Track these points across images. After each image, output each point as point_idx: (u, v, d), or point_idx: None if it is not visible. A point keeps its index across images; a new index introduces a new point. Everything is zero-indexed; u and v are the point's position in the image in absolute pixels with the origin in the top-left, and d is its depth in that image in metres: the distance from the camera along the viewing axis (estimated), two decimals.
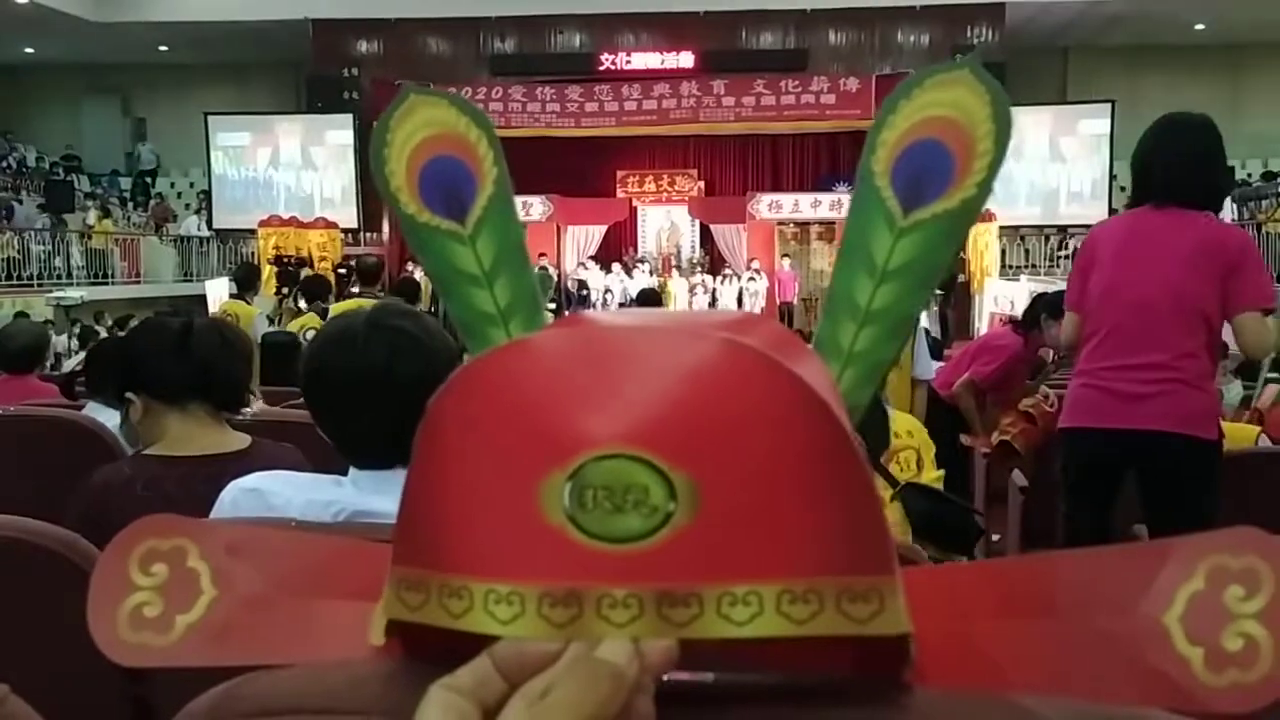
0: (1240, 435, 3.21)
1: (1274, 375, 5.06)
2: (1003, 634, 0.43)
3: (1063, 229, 17.33)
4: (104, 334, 12.69)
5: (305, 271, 9.78)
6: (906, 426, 3.35)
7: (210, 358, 1.82)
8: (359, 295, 6.25)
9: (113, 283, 16.01)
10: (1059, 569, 0.43)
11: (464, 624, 0.41)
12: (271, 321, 6.99)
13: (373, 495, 1.37)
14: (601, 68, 17.84)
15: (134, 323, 12.76)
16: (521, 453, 0.41)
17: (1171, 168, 2.60)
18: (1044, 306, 4.44)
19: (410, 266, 16.39)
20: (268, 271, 9.45)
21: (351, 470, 1.41)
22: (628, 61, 17.88)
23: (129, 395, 1.87)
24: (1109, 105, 17.24)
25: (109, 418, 2.77)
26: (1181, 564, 0.40)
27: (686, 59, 17.66)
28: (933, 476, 3.30)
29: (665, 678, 0.40)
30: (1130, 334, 2.63)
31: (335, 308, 6.16)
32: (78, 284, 14.78)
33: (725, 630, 0.39)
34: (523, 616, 0.39)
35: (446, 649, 0.41)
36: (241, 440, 1.85)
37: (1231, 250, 2.59)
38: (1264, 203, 13.57)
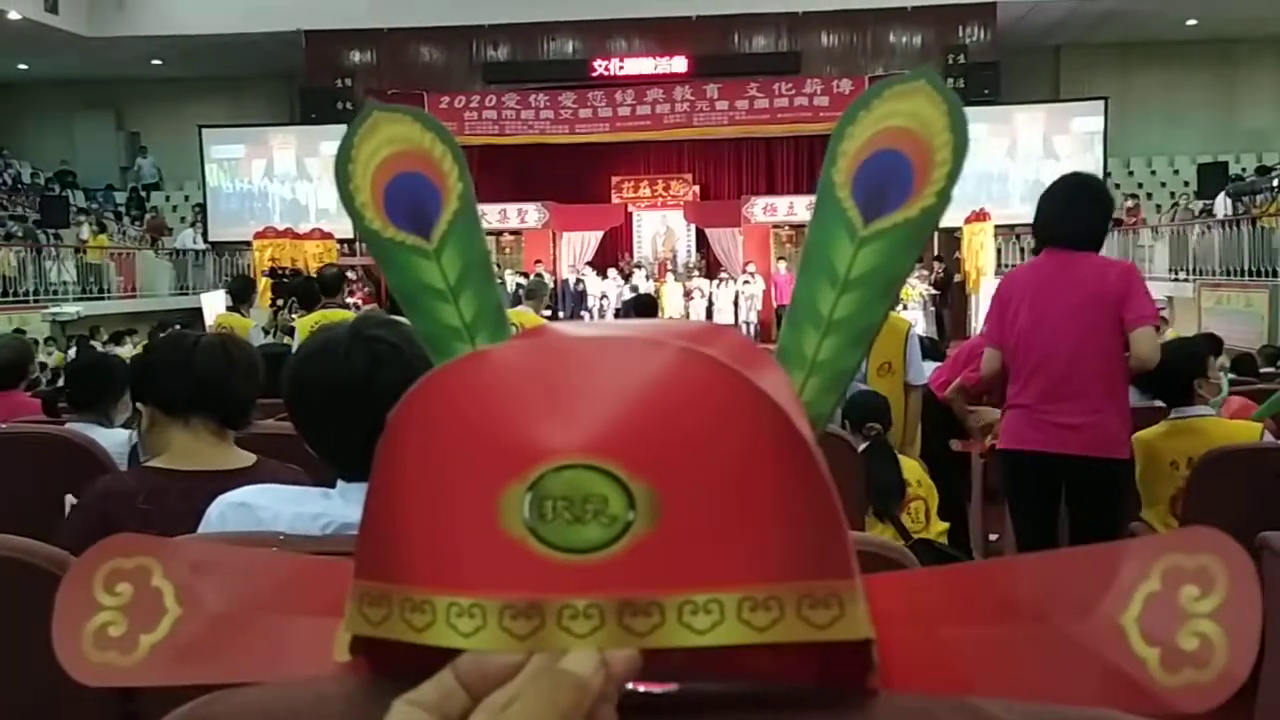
0: (1244, 432, 3.22)
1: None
2: (965, 639, 0.43)
3: None
4: (98, 348, 12.69)
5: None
6: (915, 476, 3.37)
7: (211, 373, 1.83)
8: (325, 307, 6.24)
9: (109, 297, 16.00)
10: (1019, 573, 0.43)
11: (426, 638, 0.40)
12: (267, 333, 6.99)
13: (359, 506, 1.36)
14: (595, 74, 17.87)
15: (136, 340, 12.67)
16: (481, 464, 0.41)
17: (1071, 217, 3.06)
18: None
19: None
20: (262, 283, 9.44)
21: (339, 482, 1.41)
22: (620, 67, 17.90)
23: (138, 405, 1.91)
24: (1102, 102, 17.27)
25: (96, 435, 2.77)
26: (1138, 564, 0.40)
27: (679, 64, 17.69)
28: (939, 530, 3.34)
29: (629, 688, 0.40)
30: (1058, 370, 3.02)
31: (301, 322, 6.16)
32: (73, 299, 14.77)
33: (687, 639, 0.39)
34: (485, 629, 0.39)
35: (410, 664, 0.41)
36: (246, 458, 1.85)
37: (1116, 281, 3.01)
38: (1258, 197, 13.58)
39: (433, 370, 0.45)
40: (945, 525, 3.31)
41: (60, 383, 9.71)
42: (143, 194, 20.54)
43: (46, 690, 1.41)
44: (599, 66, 17.87)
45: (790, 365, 0.51)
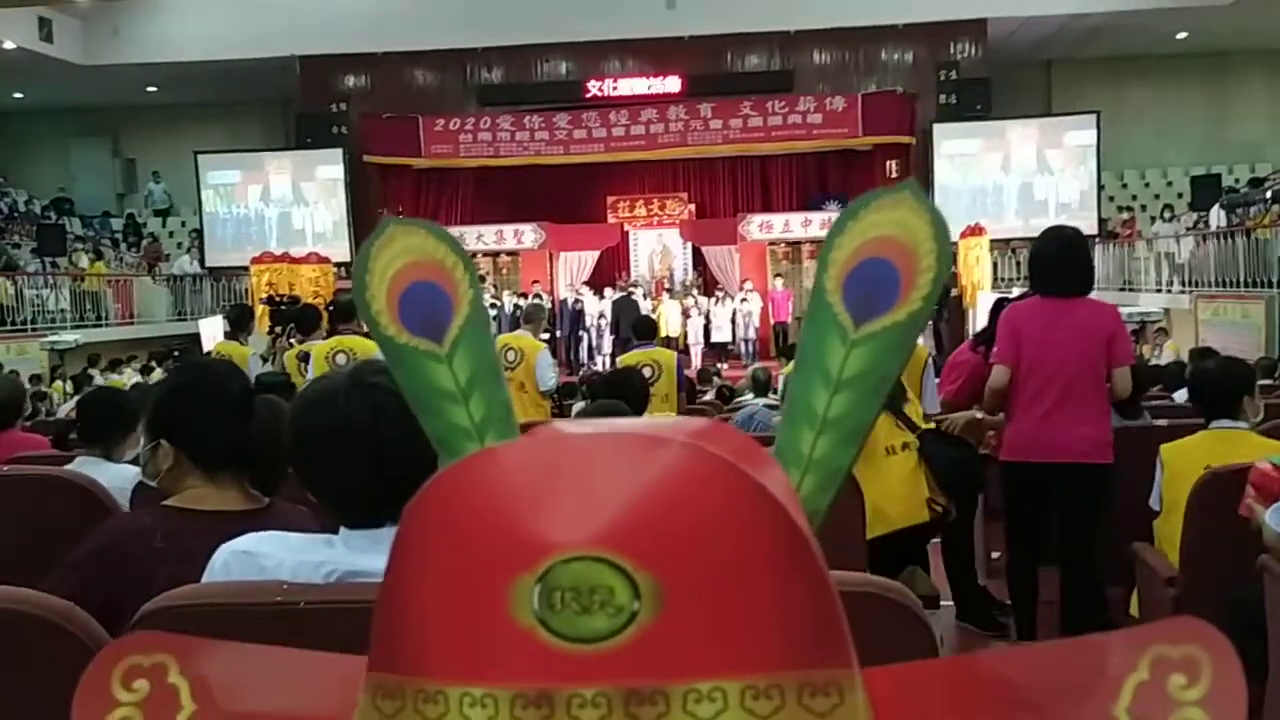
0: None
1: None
2: None
3: None
4: (97, 376, 12.69)
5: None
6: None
7: (261, 440, 1.78)
8: (339, 333, 6.21)
9: (107, 324, 16.00)
10: (1014, 666, 0.45)
11: None
12: (266, 361, 6.98)
13: (363, 554, 1.37)
14: (589, 95, 17.93)
15: (135, 366, 12.59)
16: (491, 557, 0.42)
17: (1064, 271, 3.73)
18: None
19: None
20: (260, 311, 9.45)
21: (342, 530, 1.41)
22: (615, 88, 17.97)
23: (162, 442, 1.83)
24: (1094, 116, 17.35)
25: (103, 471, 2.77)
26: (1126, 655, 0.42)
27: (673, 83, 17.75)
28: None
29: None
30: (1059, 392, 3.61)
31: (316, 349, 6.14)
32: (71, 327, 14.78)
33: None
34: (497, 718, 0.40)
35: None
36: (259, 500, 1.83)
37: (1106, 328, 3.68)
38: (1252, 209, 13.62)
39: (444, 469, 0.46)
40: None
41: (59, 413, 9.70)
42: (140, 220, 20.54)
43: None
44: (593, 87, 17.94)
45: (787, 463, 0.52)
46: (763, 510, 0.43)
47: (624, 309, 16.39)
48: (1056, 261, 3.75)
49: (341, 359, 5.94)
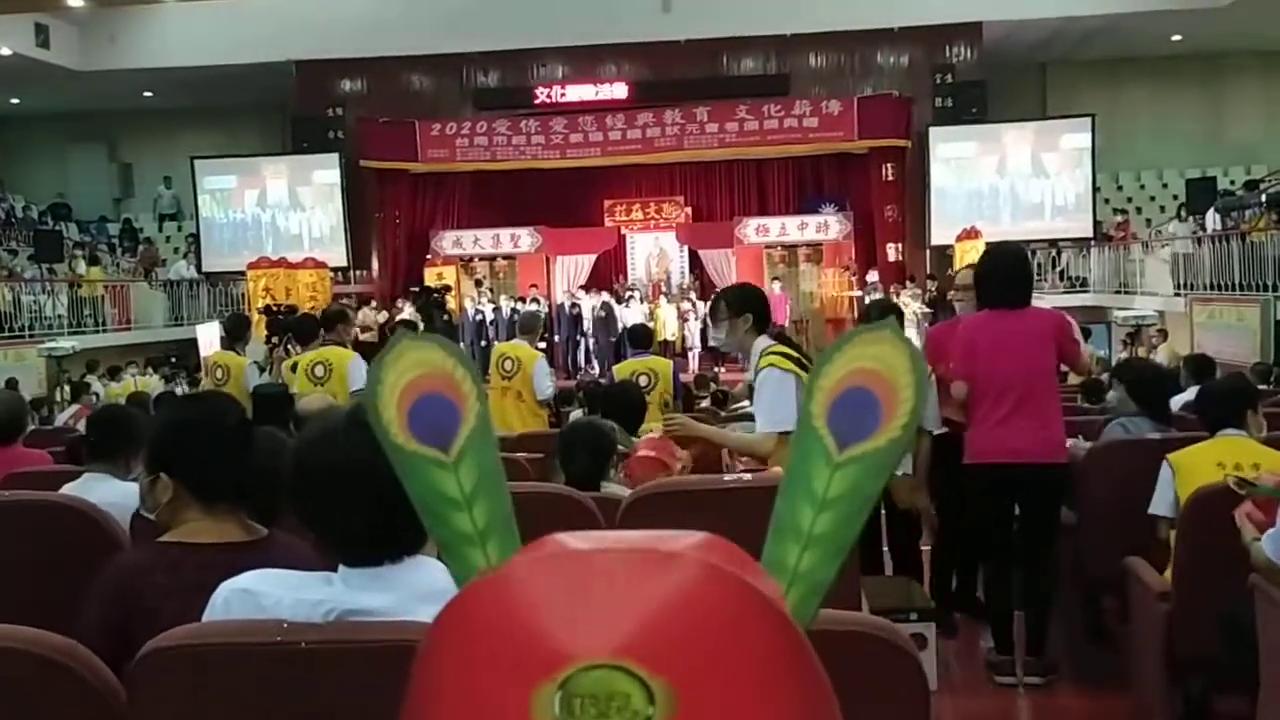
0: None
1: None
2: None
3: (1053, 242, 17.43)
4: (95, 383, 12.69)
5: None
6: None
7: (260, 472, 1.79)
8: (326, 343, 6.27)
9: (104, 330, 15.99)
10: None
11: None
12: (263, 370, 6.99)
13: (362, 593, 1.39)
14: (587, 99, 17.93)
15: (133, 371, 12.57)
16: (515, 667, 0.44)
17: (1005, 284, 4.03)
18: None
19: (400, 304, 16.43)
20: (257, 320, 9.46)
21: (341, 568, 1.43)
22: (610, 93, 17.96)
23: (161, 475, 1.84)
24: (1089, 119, 17.38)
25: (110, 488, 2.79)
26: None
27: (669, 88, 17.74)
28: None
29: None
30: (1013, 397, 3.86)
31: (303, 359, 6.17)
32: (68, 333, 14.77)
33: None
34: None
35: None
36: (259, 531, 1.85)
37: (1050, 328, 3.99)
38: (1247, 212, 13.65)
39: (464, 587, 0.50)
40: None
41: (58, 420, 9.70)
42: (136, 225, 20.52)
43: None
44: (584, 92, 17.93)
45: (774, 575, 0.55)
46: (769, 622, 0.46)
47: (605, 321, 16.52)
48: (1006, 276, 4.07)
49: (320, 370, 6.00)
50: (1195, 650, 3.12)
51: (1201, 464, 3.28)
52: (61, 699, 1.39)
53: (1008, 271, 4.09)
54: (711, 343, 5.54)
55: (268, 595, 1.41)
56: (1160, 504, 3.46)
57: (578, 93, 17.99)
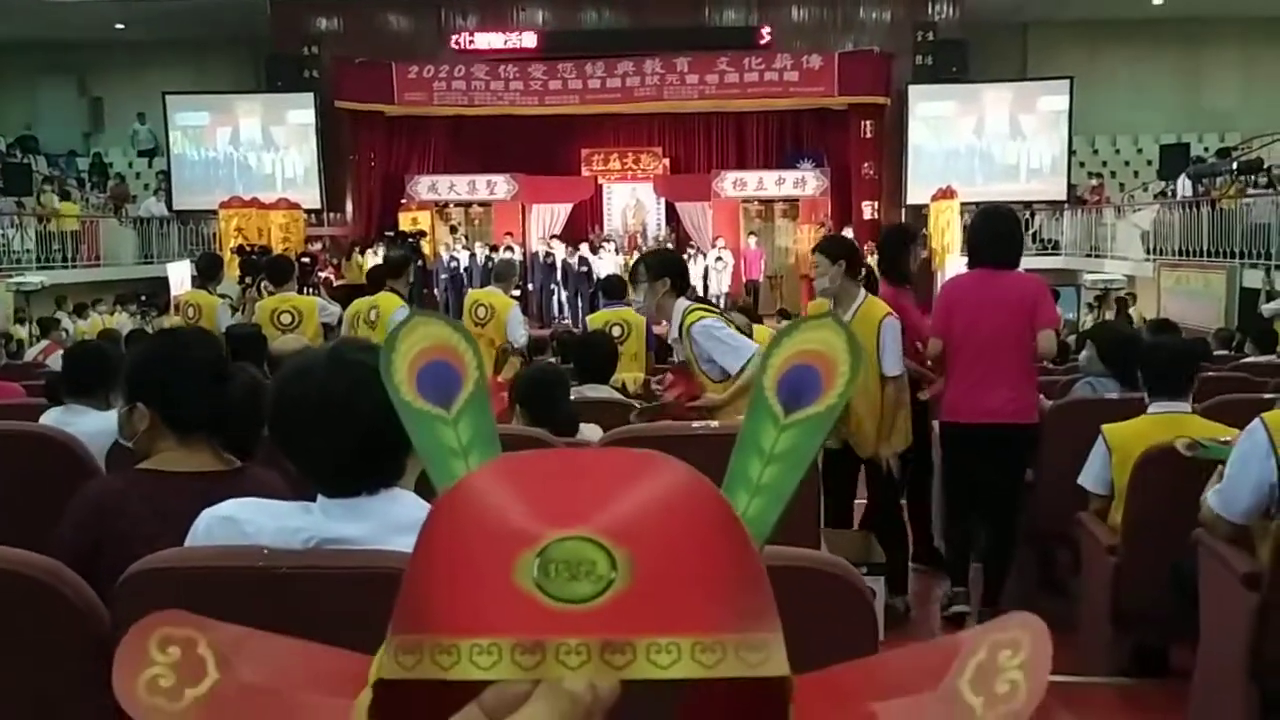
0: (1224, 433, 3.34)
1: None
2: (868, 710, 0.58)
3: (1027, 205, 17.55)
4: (65, 320, 12.59)
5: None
6: None
7: (236, 409, 1.86)
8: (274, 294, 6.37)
9: (73, 266, 15.81)
10: (903, 663, 0.59)
11: (453, 674, 0.52)
12: (236, 310, 6.98)
13: (339, 522, 1.44)
14: (560, 46, 17.74)
15: (103, 309, 12.46)
16: (502, 539, 0.53)
17: (995, 244, 4.13)
18: (895, 248, 4.82)
19: (375, 247, 16.33)
20: (229, 259, 9.42)
21: (320, 498, 1.48)
22: (586, 39, 17.79)
23: (139, 405, 1.90)
24: (1068, 82, 17.41)
25: (89, 419, 2.82)
26: (972, 643, 0.57)
27: (648, 37, 17.58)
28: None
29: None
30: (989, 359, 3.97)
31: (263, 305, 6.22)
32: (37, 268, 14.61)
33: (652, 672, 0.51)
34: (500, 663, 0.51)
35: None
36: (231, 462, 1.90)
37: (1031, 295, 4.04)
38: (1218, 179, 13.78)
39: (463, 476, 0.59)
40: None
41: (27, 355, 9.63)
42: (107, 160, 20.20)
43: (40, 693, 1.48)
44: (564, 39, 17.75)
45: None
46: (715, 506, 0.55)
47: (580, 271, 16.52)
48: (995, 237, 4.17)
49: (287, 318, 6.09)
50: (1140, 603, 3.24)
51: (1139, 445, 3.29)
52: (46, 619, 1.44)
53: (997, 232, 4.18)
54: (636, 306, 5.73)
55: (249, 522, 1.46)
56: (1090, 477, 3.50)
57: (554, 40, 17.81)
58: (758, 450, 0.66)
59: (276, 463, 1.86)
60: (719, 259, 17.15)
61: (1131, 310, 13.61)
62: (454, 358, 0.73)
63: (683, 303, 3.82)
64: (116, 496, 1.81)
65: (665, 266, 3.95)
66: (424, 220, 17.47)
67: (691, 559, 0.53)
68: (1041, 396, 4.52)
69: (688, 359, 3.83)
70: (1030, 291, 4.08)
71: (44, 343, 10.37)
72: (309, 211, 17.25)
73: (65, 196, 17.14)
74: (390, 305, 6.39)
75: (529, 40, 17.83)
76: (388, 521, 1.44)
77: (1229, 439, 2.93)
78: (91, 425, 2.63)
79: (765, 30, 17.51)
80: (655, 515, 0.53)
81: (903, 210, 17.48)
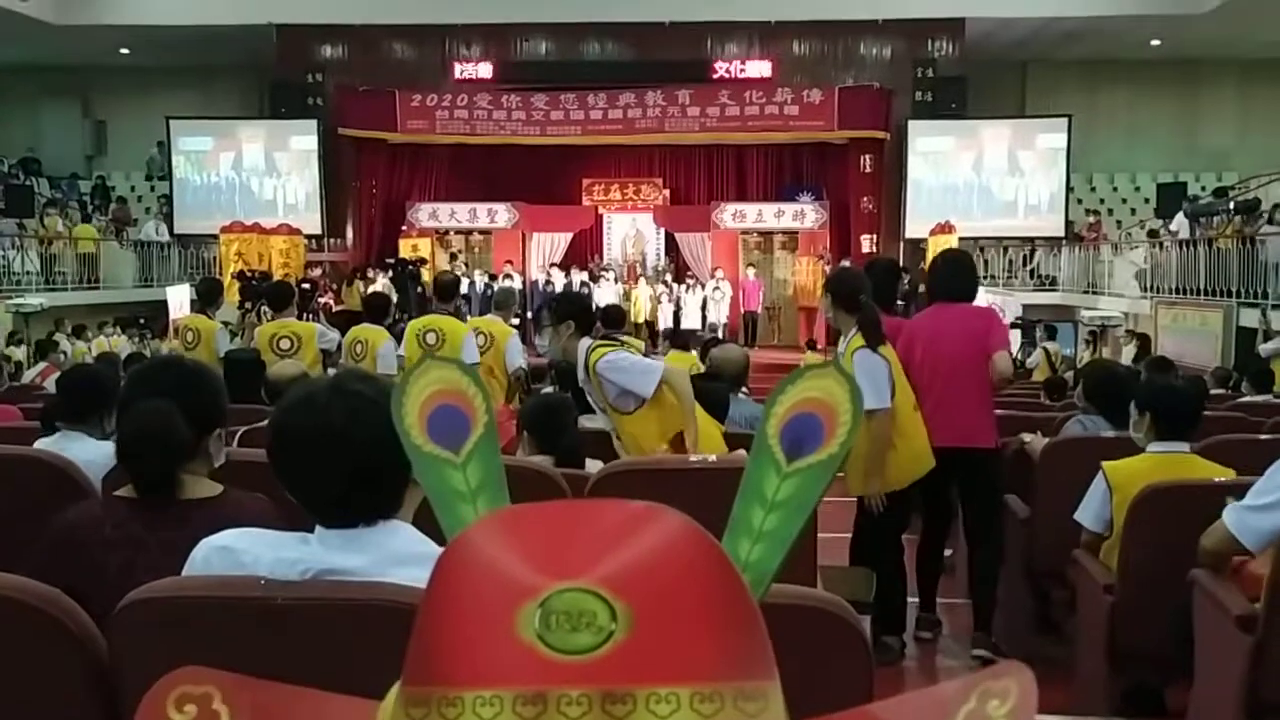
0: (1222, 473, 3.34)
1: None
2: None
3: (1024, 240, 17.64)
4: (63, 342, 12.59)
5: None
6: None
7: (148, 439, 1.85)
8: (435, 313, 6.47)
9: (72, 288, 15.84)
10: (900, 708, 0.60)
11: None
12: (235, 335, 6.99)
13: (337, 553, 1.44)
14: (569, 77, 17.87)
15: (106, 333, 12.49)
16: (504, 591, 0.54)
17: (949, 279, 4.53)
18: (882, 279, 4.82)
19: (373, 274, 16.37)
20: (229, 284, 9.45)
21: (318, 528, 1.48)
22: (594, 71, 17.91)
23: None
24: (1066, 120, 17.55)
25: (84, 446, 2.82)
26: (962, 691, 0.57)
27: (654, 70, 17.71)
28: None
29: None
30: (945, 385, 4.19)
31: (262, 330, 6.24)
32: (36, 290, 14.62)
33: None
34: (502, 714, 0.51)
35: None
36: (213, 488, 1.91)
37: (984, 322, 4.37)
38: (1215, 219, 13.84)
39: (467, 526, 0.59)
40: None
41: (24, 378, 9.62)
42: (109, 184, 20.27)
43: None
44: (574, 69, 17.87)
45: None
46: (714, 560, 0.56)
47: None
48: (952, 271, 4.60)
49: (432, 338, 6.19)
50: (1136, 642, 3.23)
51: (1141, 484, 3.23)
52: (44, 646, 1.44)
53: (954, 267, 4.61)
54: (542, 350, 5.82)
55: (247, 553, 1.46)
56: (1089, 515, 3.46)
57: (562, 70, 17.93)
58: (760, 498, 0.67)
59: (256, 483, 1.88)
60: (717, 289, 17.20)
61: (1126, 347, 13.63)
62: (463, 402, 0.74)
63: (585, 342, 3.84)
64: (88, 526, 1.82)
65: (569, 309, 4.02)
66: (424, 247, 17.53)
67: (690, 610, 0.54)
68: (1038, 434, 4.55)
69: (597, 399, 3.82)
70: (982, 319, 4.41)
71: (42, 365, 10.38)
72: (310, 237, 17.31)
73: (88, 220, 17.22)
74: (378, 339, 6.41)
75: (485, 71, 17.88)
76: (385, 554, 1.45)
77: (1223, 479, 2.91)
78: (86, 453, 2.62)
79: (767, 64, 17.64)
80: (655, 567, 0.54)
81: (901, 244, 17.55)
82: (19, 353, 12.12)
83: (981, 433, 4.24)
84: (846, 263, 17.00)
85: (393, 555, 1.44)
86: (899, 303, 15.82)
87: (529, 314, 17.19)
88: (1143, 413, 3.49)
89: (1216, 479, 3.21)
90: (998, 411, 5.46)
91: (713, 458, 3.14)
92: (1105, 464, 3.39)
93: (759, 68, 17.66)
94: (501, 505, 0.71)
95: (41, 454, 2.55)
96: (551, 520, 0.57)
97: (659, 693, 0.51)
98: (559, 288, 17.36)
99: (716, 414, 4.12)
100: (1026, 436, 4.59)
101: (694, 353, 7.58)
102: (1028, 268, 17.69)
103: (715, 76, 17.66)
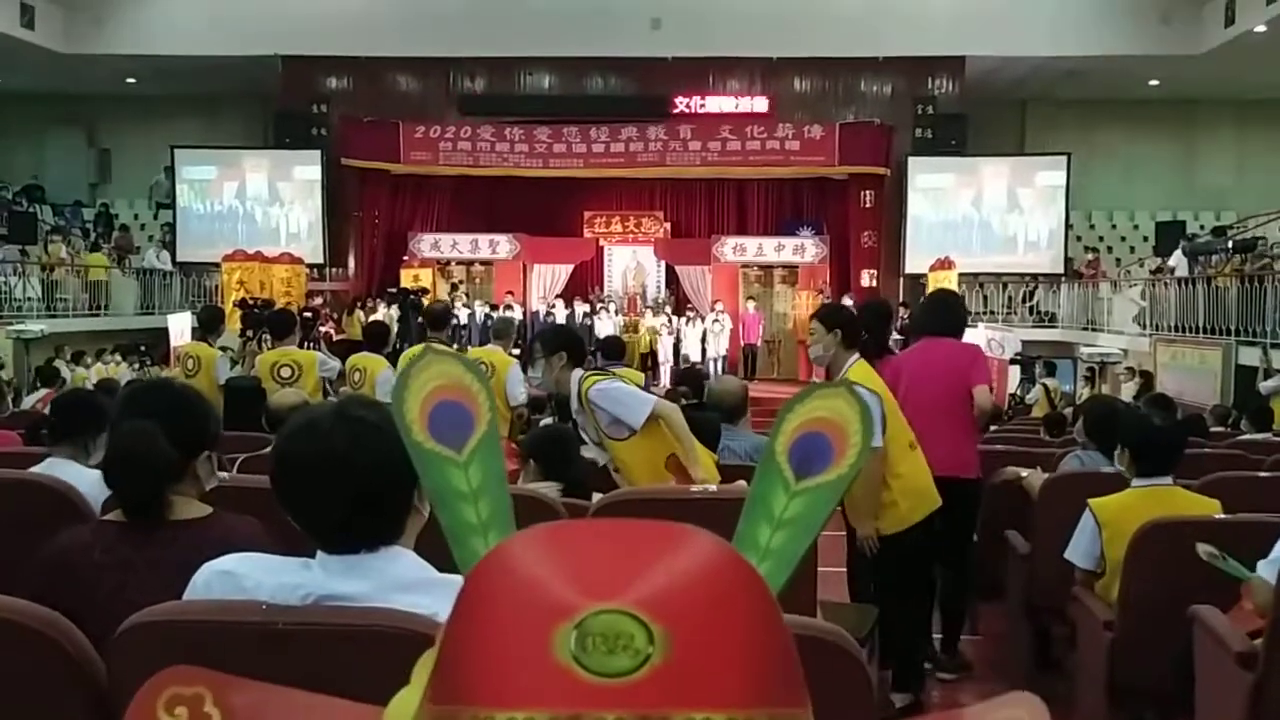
0: (1207, 506, 3.34)
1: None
2: None
3: (1027, 277, 17.70)
4: (63, 368, 12.59)
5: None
6: None
7: (119, 467, 1.87)
8: (275, 347, 6.44)
9: (73, 315, 15.86)
10: None
11: None
12: (235, 363, 7.00)
13: (339, 579, 1.44)
14: (571, 111, 17.99)
15: (94, 362, 12.49)
16: (539, 611, 0.53)
17: (935, 317, 4.73)
18: (874, 321, 4.73)
19: (374, 303, 16.41)
20: (231, 312, 9.47)
21: (319, 554, 1.48)
22: (597, 105, 18.04)
23: None
24: (1065, 158, 17.67)
25: (73, 473, 2.81)
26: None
27: (656, 104, 17.84)
28: None
29: None
30: (929, 418, 4.20)
31: (263, 359, 6.25)
32: (38, 316, 14.64)
33: None
34: None
35: None
36: (201, 509, 1.91)
37: (966, 358, 4.51)
38: (1214, 257, 13.89)
39: (501, 542, 0.59)
40: None
41: (25, 404, 9.60)
42: (113, 211, 20.34)
43: None
44: (576, 103, 18.00)
45: None
46: (751, 584, 0.56)
47: (583, 331, 16.54)
48: (932, 310, 4.92)
49: (286, 371, 6.15)
50: (1136, 679, 3.22)
51: (1130, 519, 3.25)
52: (43, 670, 1.43)
53: (939, 304, 4.92)
54: (535, 382, 5.81)
55: (248, 577, 1.46)
56: (1079, 553, 3.46)
57: (565, 104, 18.06)
58: (767, 515, 0.67)
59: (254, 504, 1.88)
60: (716, 322, 17.23)
61: (1126, 384, 13.62)
62: (467, 398, 0.72)
63: (578, 373, 3.86)
64: (79, 551, 1.82)
65: (559, 341, 4.05)
66: (425, 278, 17.58)
67: (727, 635, 0.53)
68: (1038, 469, 4.55)
69: (590, 427, 3.82)
70: (965, 354, 4.54)
71: (43, 391, 10.37)
72: (311, 266, 17.36)
73: (97, 248, 17.36)
74: (376, 367, 6.42)
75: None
76: (387, 580, 1.44)
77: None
78: (75, 481, 2.59)
79: (764, 100, 17.77)
80: (692, 590, 0.54)
81: (901, 279, 17.61)
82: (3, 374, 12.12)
83: (965, 464, 4.37)
84: (848, 299, 17.11)
85: (394, 581, 1.44)
86: (899, 336, 16.05)
87: (531, 344, 17.20)
88: (1123, 449, 3.52)
89: (1215, 515, 3.21)
90: (997, 448, 5.52)
91: (713, 487, 3.14)
92: (1091, 501, 3.40)
93: (757, 104, 17.79)
94: (503, 506, 0.70)
95: (42, 478, 2.55)
96: (588, 538, 0.57)
97: (694, 718, 0.51)
98: (560, 319, 17.41)
99: (708, 443, 4.12)
100: (1024, 472, 4.59)
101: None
102: (1027, 304, 17.74)
103: (714, 111, 17.78)
